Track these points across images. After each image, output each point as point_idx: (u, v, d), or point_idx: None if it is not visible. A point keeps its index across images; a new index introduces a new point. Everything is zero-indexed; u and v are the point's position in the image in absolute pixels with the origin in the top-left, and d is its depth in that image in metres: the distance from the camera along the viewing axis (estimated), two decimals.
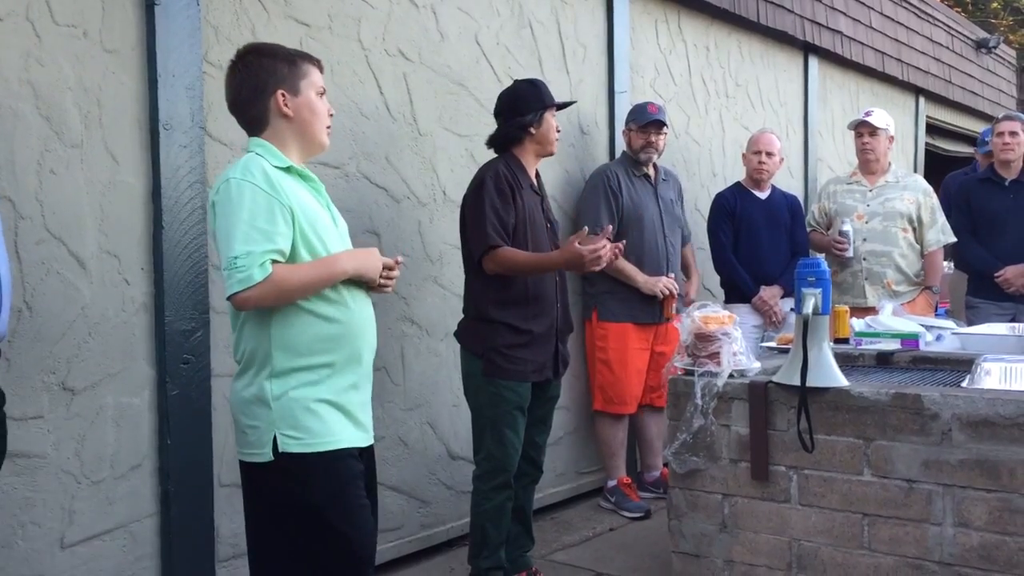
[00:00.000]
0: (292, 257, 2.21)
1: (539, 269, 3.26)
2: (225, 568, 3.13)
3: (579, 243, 3.12)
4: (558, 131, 3.45)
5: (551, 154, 3.50)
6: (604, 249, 3.11)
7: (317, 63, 2.39)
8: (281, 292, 2.17)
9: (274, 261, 2.15)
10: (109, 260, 2.83)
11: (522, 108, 3.37)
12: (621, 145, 4.75)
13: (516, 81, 3.54)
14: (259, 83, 2.29)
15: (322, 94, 2.38)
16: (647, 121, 4.43)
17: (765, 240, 4.85)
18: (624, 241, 3.63)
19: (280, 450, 2.20)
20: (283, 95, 2.30)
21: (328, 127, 2.41)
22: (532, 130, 3.36)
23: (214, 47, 3.08)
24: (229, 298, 2.17)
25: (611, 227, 3.40)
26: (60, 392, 2.72)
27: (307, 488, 2.22)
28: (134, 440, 2.89)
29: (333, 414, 2.25)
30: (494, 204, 3.22)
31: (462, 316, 3.43)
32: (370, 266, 2.33)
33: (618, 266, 4.36)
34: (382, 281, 2.37)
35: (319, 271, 2.22)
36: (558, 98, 3.60)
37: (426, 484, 3.86)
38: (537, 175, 3.48)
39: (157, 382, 2.94)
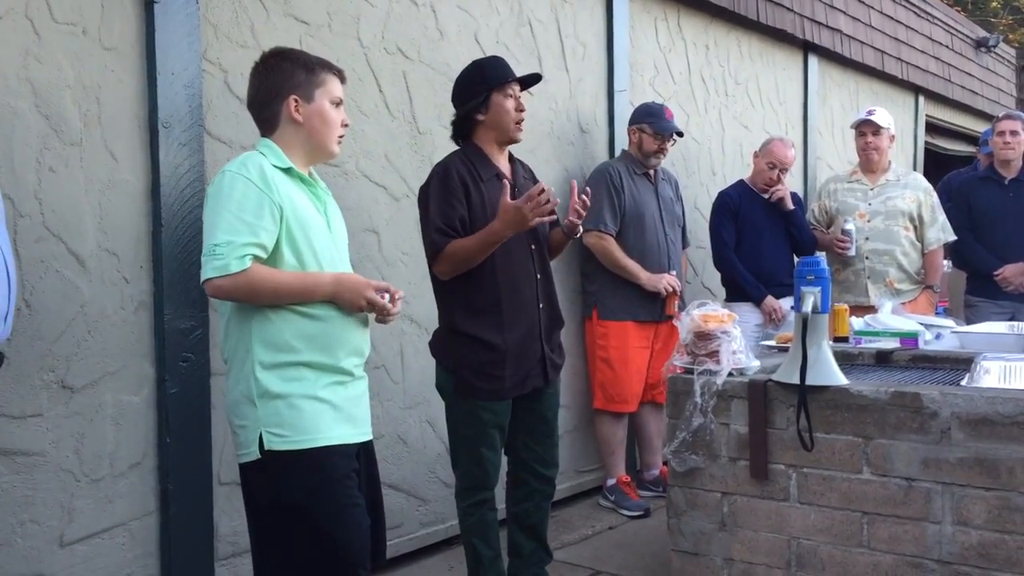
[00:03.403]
0: (274, 255, 2.22)
1: (486, 244, 2.88)
2: (224, 566, 3.13)
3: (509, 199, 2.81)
4: (520, 111, 3.07)
5: (513, 139, 3.10)
6: (543, 195, 2.76)
7: (338, 73, 2.41)
8: (253, 290, 2.18)
9: (255, 257, 2.17)
10: (108, 258, 2.83)
11: (465, 94, 3.07)
12: (620, 143, 4.76)
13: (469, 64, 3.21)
14: (275, 86, 2.33)
15: (338, 104, 2.39)
16: (667, 131, 4.43)
17: (767, 239, 4.85)
18: (588, 189, 3.24)
19: (266, 448, 2.21)
20: (296, 100, 2.32)
21: (341, 136, 2.41)
22: (479, 116, 3.05)
23: (213, 45, 3.08)
24: (203, 284, 2.20)
25: (544, 183, 2.88)
26: (59, 390, 2.72)
27: (292, 486, 2.22)
28: (133, 438, 2.89)
29: (320, 410, 2.24)
30: (439, 204, 2.94)
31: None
32: (347, 299, 2.28)
33: (621, 263, 4.37)
34: (380, 305, 2.33)
35: (296, 285, 2.23)
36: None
37: (425, 482, 3.86)
38: (512, 160, 3.18)
39: (156, 380, 2.94)
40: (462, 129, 3.12)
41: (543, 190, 2.78)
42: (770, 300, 4.74)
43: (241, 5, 3.16)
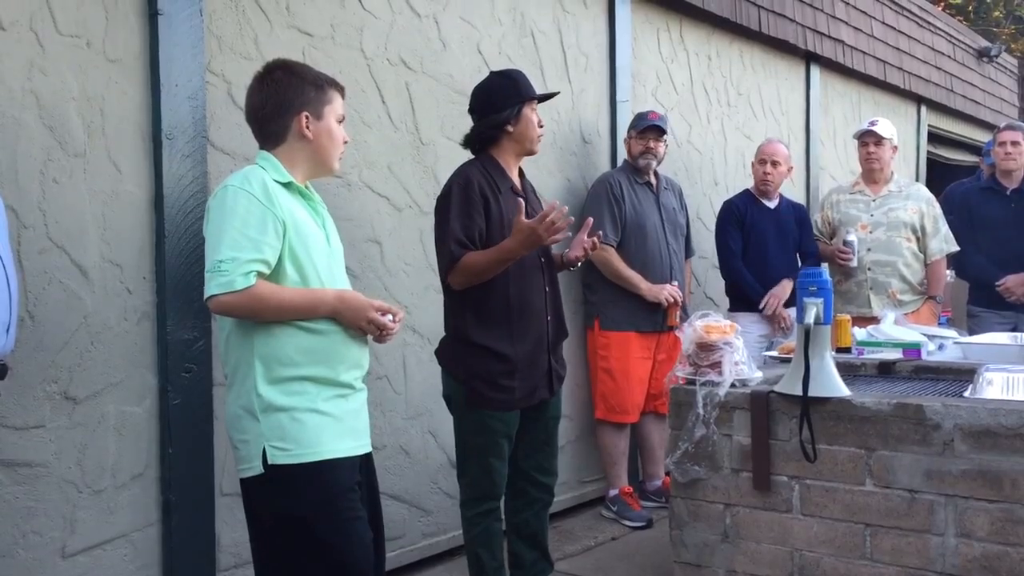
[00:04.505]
0: (276, 270, 2.22)
1: (500, 262, 2.91)
2: None
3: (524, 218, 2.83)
4: (541, 126, 3.13)
5: (533, 153, 3.17)
6: (555, 214, 2.77)
7: (341, 90, 2.42)
8: (257, 307, 2.18)
9: (259, 273, 2.17)
10: (111, 269, 2.84)
11: (497, 104, 3.06)
12: (622, 154, 4.76)
13: (491, 74, 3.23)
14: (285, 101, 2.32)
15: (341, 121, 2.40)
16: (645, 127, 4.45)
17: (773, 250, 4.85)
18: (600, 233, 3.43)
19: (269, 462, 2.21)
20: (307, 117, 2.32)
21: (341, 153, 2.43)
22: (509, 128, 3.06)
23: (217, 57, 3.09)
24: (206, 300, 2.19)
25: (557, 202, 2.86)
26: (62, 401, 2.72)
27: (296, 500, 2.22)
28: (135, 449, 2.89)
29: (323, 423, 2.24)
30: (460, 215, 2.94)
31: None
32: (349, 317, 2.28)
33: (622, 274, 4.37)
34: (377, 333, 2.34)
35: (300, 302, 2.23)
36: (554, 101, 3.50)
37: (428, 493, 3.85)
38: (521, 174, 3.20)
39: (159, 391, 2.94)
40: (484, 139, 3.11)
41: (556, 210, 2.79)
42: (773, 291, 4.75)
43: (245, 17, 3.18)
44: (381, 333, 2.33)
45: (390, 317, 2.33)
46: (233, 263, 2.14)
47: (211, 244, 2.20)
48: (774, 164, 4.88)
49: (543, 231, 2.79)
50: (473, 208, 2.96)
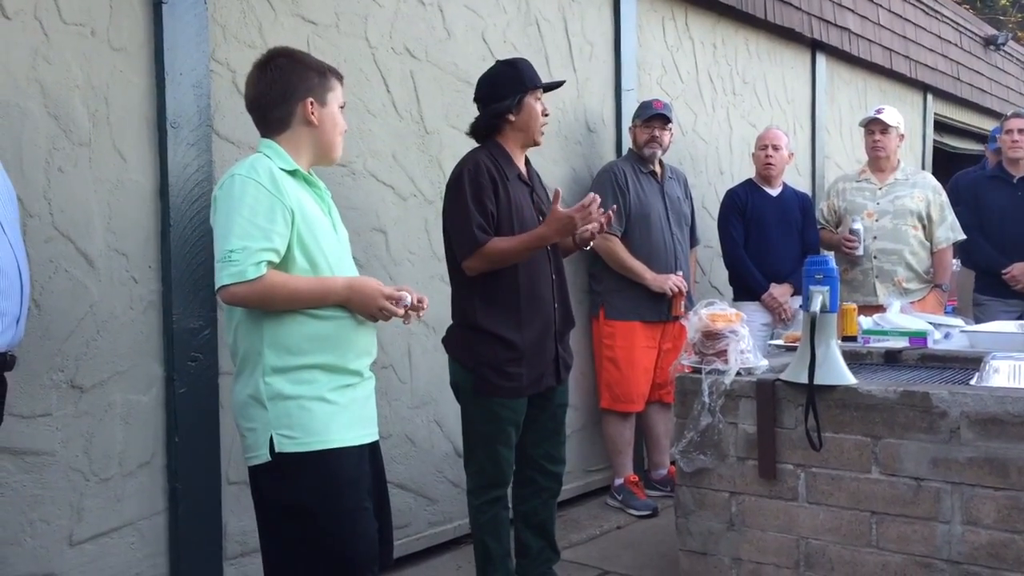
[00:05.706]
0: (286, 258, 2.22)
1: (529, 250, 2.97)
2: (233, 566, 3.14)
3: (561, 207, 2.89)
4: (545, 115, 3.15)
5: (536, 143, 3.18)
6: (593, 205, 2.87)
7: (341, 78, 2.43)
8: (267, 297, 2.18)
9: (269, 262, 2.16)
10: (117, 258, 2.84)
11: (500, 93, 3.07)
12: (627, 143, 4.75)
13: (497, 62, 3.24)
14: (289, 87, 2.31)
15: (341, 107, 2.40)
16: (650, 115, 4.44)
17: (775, 238, 4.84)
18: (615, 206, 3.48)
19: (277, 450, 2.21)
20: (312, 103, 2.32)
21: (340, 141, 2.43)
22: (511, 117, 3.07)
23: (221, 45, 3.09)
24: (218, 290, 2.19)
25: (593, 194, 2.97)
26: (68, 390, 2.73)
27: (301, 488, 2.22)
28: (142, 438, 2.90)
29: (330, 412, 2.24)
30: (475, 199, 2.96)
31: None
32: (359, 306, 2.27)
33: (627, 264, 4.36)
34: (393, 313, 2.32)
35: (310, 291, 2.23)
36: (559, 90, 3.50)
37: (433, 482, 3.86)
38: (527, 162, 3.22)
39: (165, 380, 2.95)
40: (488, 128, 3.12)
41: (594, 200, 2.87)
42: (771, 291, 4.73)
43: (249, 5, 3.17)
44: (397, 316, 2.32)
45: (403, 305, 2.31)
46: (244, 252, 2.13)
47: (220, 234, 2.19)
48: (775, 148, 4.88)
49: (579, 220, 2.89)
50: (484, 193, 2.98)
